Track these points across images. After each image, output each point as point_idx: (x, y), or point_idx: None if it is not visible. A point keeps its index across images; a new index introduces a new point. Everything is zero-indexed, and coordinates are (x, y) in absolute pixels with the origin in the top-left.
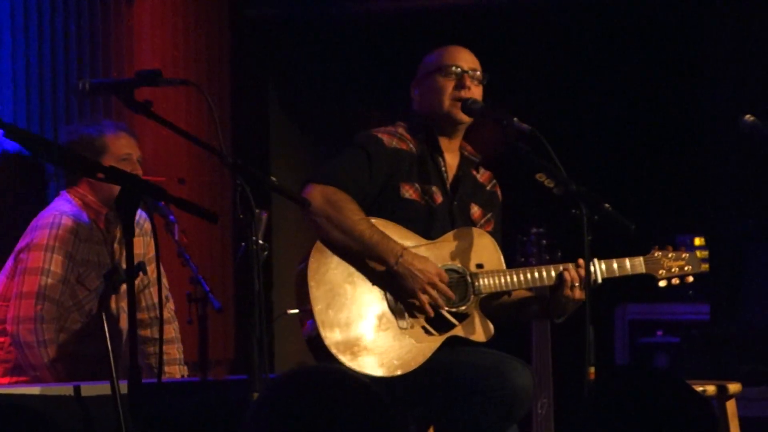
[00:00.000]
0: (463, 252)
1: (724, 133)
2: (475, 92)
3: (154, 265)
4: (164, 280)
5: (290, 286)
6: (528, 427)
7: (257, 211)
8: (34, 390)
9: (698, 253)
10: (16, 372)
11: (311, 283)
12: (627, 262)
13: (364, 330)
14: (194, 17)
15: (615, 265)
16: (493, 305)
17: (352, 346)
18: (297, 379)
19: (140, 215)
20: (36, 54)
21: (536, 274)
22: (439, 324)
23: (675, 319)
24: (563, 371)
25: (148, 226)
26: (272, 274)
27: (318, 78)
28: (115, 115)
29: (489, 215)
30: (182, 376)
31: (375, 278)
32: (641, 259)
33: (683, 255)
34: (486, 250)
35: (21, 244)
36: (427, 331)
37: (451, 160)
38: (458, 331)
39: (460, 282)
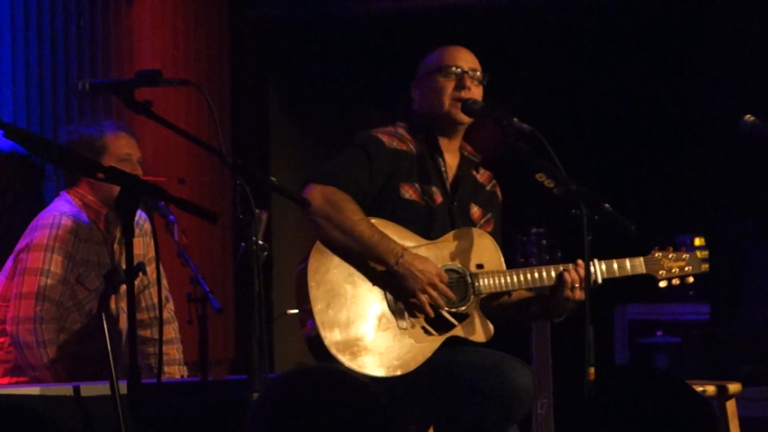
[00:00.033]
0: (463, 252)
1: (724, 133)
2: (475, 92)
3: (153, 265)
4: (164, 281)
5: (290, 286)
6: (528, 427)
7: (257, 211)
8: (34, 390)
9: (698, 254)
10: (16, 372)
11: (311, 283)
12: (627, 262)
13: (364, 330)
14: (194, 17)
15: (615, 266)
16: (493, 305)
17: (352, 346)
18: (297, 380)
19: (140, 215)
20: (36, 54)
21: (536, 275)
22: (438, 324)
23: (675, 319)
24: (563, 371)
25: (148, 226)
26: (272, 275)
27: (318, 78)
28: (115, 115)
29: (489, 215)
30: (182, 376)
31: (375, 278)
32: (641, 259)
33: (683, 255)
34: (486, 251)
35: (21, 244)
36: (426, 332)
37: (451, 161)
38: (458, 331)
39: (460, 282)
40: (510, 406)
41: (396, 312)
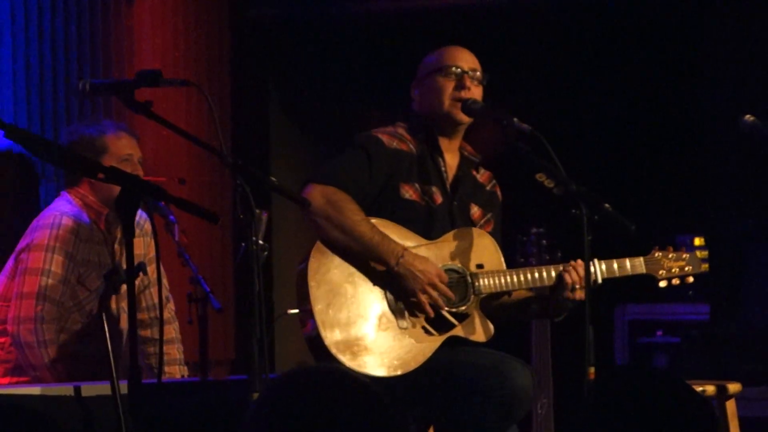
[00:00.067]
0: (463, 252)
1: (724, 133)
2: (475, 92)
3: (154, 265)
4: (164, 281)
5: (290, 286)
6: (528, 427)
7: (257, 211)
8: (35, 390)
9: (698, 254)
10: (17, 372)
11: (311, 283)
12: (627, 262)
13: (365, 330)
14: (194, 17)
15: (615, 266)
16: (493, 305)
17: (352, 346)
18: (297, 379)
19: (140, 215)
20: (36, 54)
21: (536, 275)
22: (439, 324)
23: (675, 319)
24: (563, 371)
25: (148, 226)
26: (272, 275)
27: (318, 78)
28: (115, 116)
29: (489, 215)
30: (182, 376)
31: (375, 278)
32: (641, 259)
33: (683, 255)
34: (486, 251)
35: (21, 244)
36: (427, 331)
37: (451, 161)
38: (458, 331)
39: (460, 282)
40: (510, 405)
41: (396, 312)
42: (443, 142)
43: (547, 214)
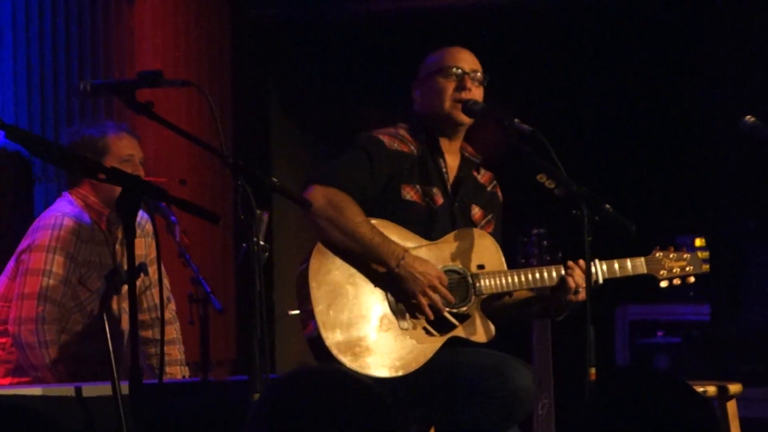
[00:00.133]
0: (464, 253)
1: (724, 133)
2: (476, 93)
3: (155, 266)
4: (165, 281)
5: (291, 287)
6: (529, 427)
7: (258, 211)
8: (36, 391)
9: (699, 254)
10: (18, 373)
11: (312, 284)
12: (628, 262)
13: (366, 331)
14: (195, 18)
15: (616, 266)
16: (494, 306)
17: (354, 347)
18: (298, 380)
19: (142, 216)
20: (37, 55)
21: (537, 275)
22: (440, 325)
23: (675, 319)
24: (564, 372)
25: (149, 227)
26: (273, 275)
27: (318, 78)
28: (115, 116)
29: (490, 216)
30: (183, 376)
31: (376, 279)
32: (642, 259)
33: (684, 255)
34: (487, 251)
35: (23, 245)
36: (428, 332)
37: (451, 162)
38: (459, 331)
39: (461, 283)
40: (511, 406)
41: (397, 313)
42: (444, 143)
43: (548, 214)
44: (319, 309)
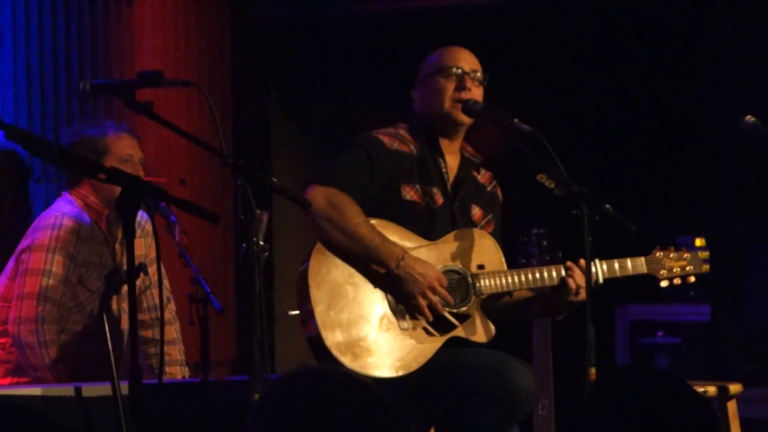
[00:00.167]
0: (464, 253)
1: (724, 133)
2: (476, 93)
3: (155, 266)
4: (165, 281)
5: (291, 287)
6: (529, 427)
7: (258, 211)
8: (36, 391)
9: (700, 254)
10: (18, 373)
11: (312, 284)
12: (628, 262)
13: (366, 331)
14: (195, 18)
15: (616, 266)
16: (494, 306)
17: (354, 347)
18: (298, 380)
19: (141, 216)
20: (37, 55)
21: (537, 275)
22: (440, 325)
23: (676, 319)
24: (564, 372)
25: (149, 227)
26: (273, 275)
27: (318, 78)
28: (115, 116)
29: (490, 216)
30: (183, 377)
31: (376, 280)
32: (643, 259)
33: (685, 255)
34: (487, 251)
35: (22, 245)
36: (428, 332)
37: (451, 162)
38: (459, 331)
39: (461, 283)
40: (511, 406)
41: (397, 313)
42: (444, 143)
43: (548, 214)
44: (319, 309)
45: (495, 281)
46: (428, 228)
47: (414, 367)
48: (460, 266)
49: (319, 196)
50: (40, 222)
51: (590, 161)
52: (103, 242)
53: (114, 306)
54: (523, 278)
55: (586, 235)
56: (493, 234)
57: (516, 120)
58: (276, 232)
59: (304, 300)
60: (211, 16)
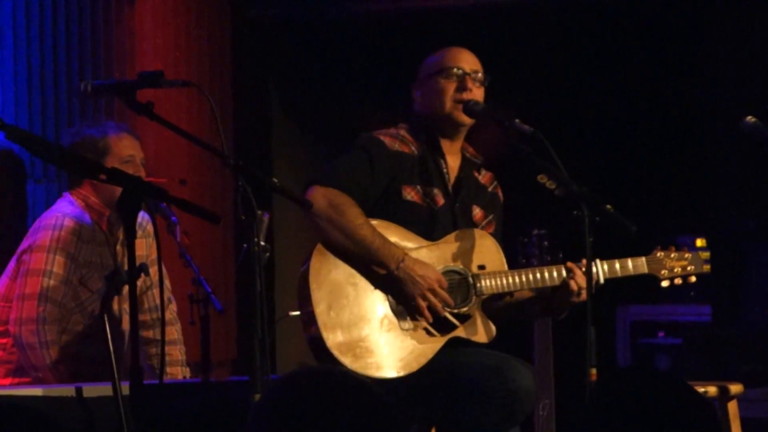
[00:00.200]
0: (465, 253)
1: (724, 134)
2: (477, 94)
3: (156, 266)
4: (166, 282)
5: (292, 287)
6: (530, 427)
7: (259, 212)
8: (37, 391)
9: (701, 254)
10: (19, 373)
11: (312, 285)
12: (629, 262)
13: (367, 331)
14: (195, 18)
15: (617, 266)
16: (494, 306)
17: (354, 348)
18: (299, 381)
19: (142, 217)
20: (38, 55)
21: (538, 275)
22: (441, 325)
23: (676, 320)
24: (565, 372)
25: (150, 227)
26: (274, 276)
27: (319, 78)
28: (116, 116)
29: (490, 217)
30: (184, 377)
31: (376, 281)
32: (644, 259)
33: (686, 255)
34: (488, 252)
35: (23, 245)
36: (429, 333)
37: (452, 162)
38: (460, 332)
39: (462, 283)
40: (512, 407)
41: (398, 313)
42: (445, 144)
43: (548, 215)
44: (319, 310)
45: (496, 282)
46: (429, 229)
47: (415, 367)
48: (461, 267)
49: (320, 196)
50: (41, 222)
51: (590, 161)
52: (104, 243)
53: (115, 306)
54: (523, 278)
55: (586, 235)
56: (494, 234)
57: (517, 120)
58: (276, 233)
59: (304, 300)
60: (212, 16)
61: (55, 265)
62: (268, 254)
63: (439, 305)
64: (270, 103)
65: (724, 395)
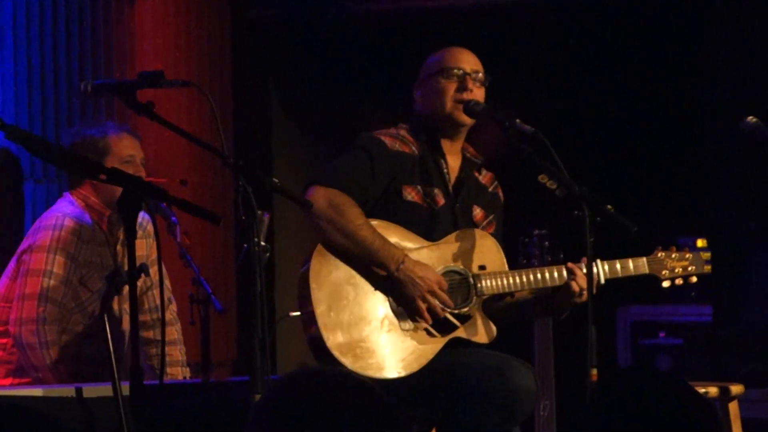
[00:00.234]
0: (466, 253)
1: (724, 133)
2: (477, 94)
3: (156, 266)
4: (167, 282)
5: (292, 288)
6: (530, 428)
7: (259, 212)
8: (37, 391)
9: (702, 254)
10: (19, 373)
11: (313, 285)
12: (630, 262)
13: (367, 332)
14: (195, 18)
15: (618, 266)
16: (495, 306)
17: (355, 348)
18: (299, 381)
19: (143, 217)
20: (38, 55)
21: (539, 275)
22: (441, 326)
23: (677, 320)
24: (565, 372)
25: (150, 227)
26: (274, 276)
27: (319, 78)
28: (116, 116)
29: (491, 217)
30: (184, 377)
31: (376, 282)
32: (644, 259)
33: (687, 255)
34: (488, 252)
35: (23, 245)
36: (429, 333)
37: (453, 162)
38: (461, 332)
39: (463, 283)
40: (512, 407)
41: (398, 313)
42: (445, 144)
43: (549, 215)
44: (320, 310)
45: (496, 282)
46: (429, 229)
47: (415, 367)
48: (461, 267)
49: (320, 197)
50: (42, 223)
51: (591, 161)
52: (104, 243)
53: (115, 307)
54: (524, 279)
55: (587, 235)
56: (494, 235)
57: (517, 120)
58: (277, 233)
59: (305, 301)
60: (212, 16)
61: (55, 265)
62: (268, 254)
63: (438, 307)
64: (270, 103)
65: (725, 396)
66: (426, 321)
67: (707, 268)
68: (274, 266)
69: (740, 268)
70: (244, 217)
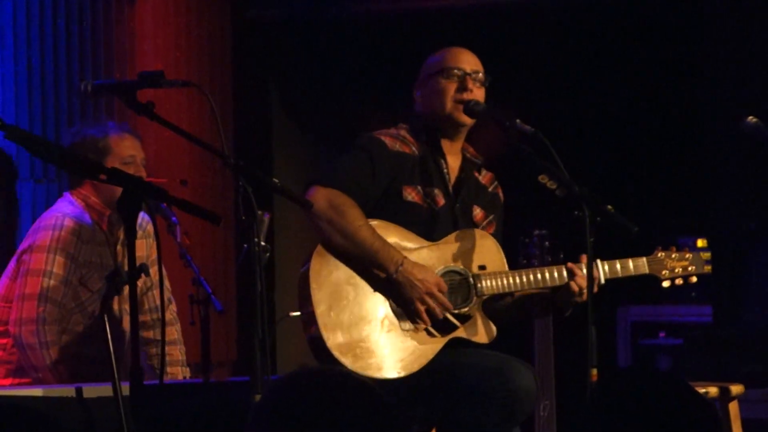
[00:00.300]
0: (466, 253)
1: (724, 133)
2: (477, 94)
3: (156, 267)
4: (167, 282)
5: (292, 288)
6: (530, 428)
7: (259, 212)
8: (37, 391)
9: (702, 255)
10: (19, 373)
11: (313, 286)
12: (630, 262)
13: (367, 332)
14: (196, 18)
15: (618, 266)
16: (495, 306)
17: (355, 348)
18: (299, 381)
19: (143, 217)
20: (38, 55)
21: (539, 275)
22: (441, 326)
23: (677, 320)
24: (565, 373)
25: (150, 228)
26: (274, 276)
27: (319, 78)
28: (116, 116)
29: (491, 217)
30: (184, 377)
31: (376, 283)
32: (644, 259)
33: (687, 255)
34: (488, 252)
35: (23, 245)
36: (429, 333)
37: (453, 162)
38: (461, 332)
39: (463, 284)
40: (512, 407)
41: (398, 314)
42: (445, 144)
43: (549, 215)
44: (320, 310)
45: (496, 282)
46: (430, 229)
47: (415, 367)
48: (461, 267)
49: (321, 197)
50: (42, 223)
51: (591, 161)
52: (104, 243)
53: (115, 307)
54: (524, 279)
55: (587, 235)
56: (494, 235)
57: (517, 121)
58: (277, 233)
59: (305, 301)
60: (212, 16)
61: (55, 266)
62: (268, 254)
63: (437, 309)
64: (270, 103)
65: (725, 396)
66: (425, 323)
67: (707, 268)
68: (274, 266)
69: (740, 268)
70: (244, 217)
